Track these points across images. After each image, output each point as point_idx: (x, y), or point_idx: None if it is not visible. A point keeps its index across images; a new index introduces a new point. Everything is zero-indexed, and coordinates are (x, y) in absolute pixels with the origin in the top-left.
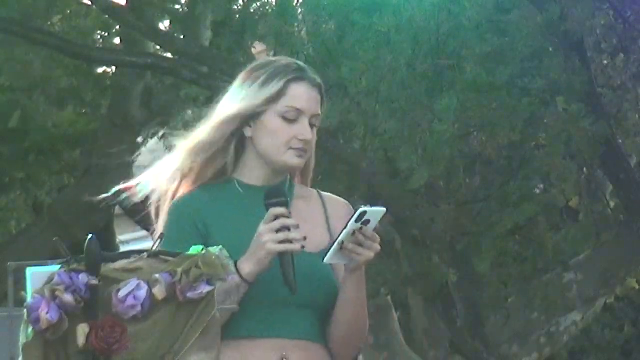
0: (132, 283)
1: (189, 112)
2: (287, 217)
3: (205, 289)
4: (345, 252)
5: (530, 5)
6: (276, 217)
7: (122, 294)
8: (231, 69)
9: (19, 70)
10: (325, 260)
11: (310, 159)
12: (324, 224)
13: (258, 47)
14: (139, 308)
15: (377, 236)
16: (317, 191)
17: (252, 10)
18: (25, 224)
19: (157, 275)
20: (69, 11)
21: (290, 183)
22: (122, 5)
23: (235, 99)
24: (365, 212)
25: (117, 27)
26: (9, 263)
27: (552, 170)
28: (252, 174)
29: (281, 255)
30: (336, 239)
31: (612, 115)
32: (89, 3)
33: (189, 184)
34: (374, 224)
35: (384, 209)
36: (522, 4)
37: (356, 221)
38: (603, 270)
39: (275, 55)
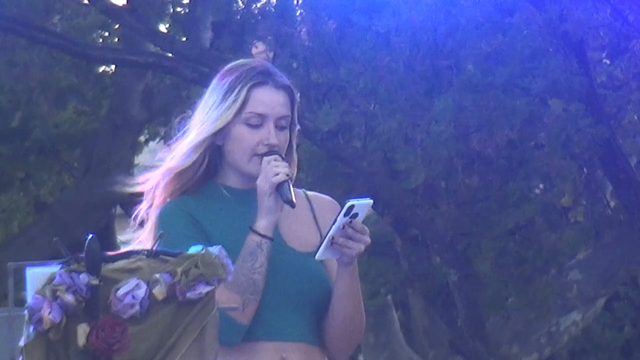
0: (132, 282)
1: (189, 112)
2: (277, 160)
3: (204, 289)
4: (336, 246)
5: (530, 6)
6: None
7: (120, 292)
8: None
9: (19, 70)
10: (317, 256)
11: (291, 160)
12: (312, 223)
13: (258, 48)
14: (137, 307)
15: (366, 228)
16: (303, 191)
17: (252, 9)
18: (26, 224)
19: (157, 275)
20: (69, 11)
21: None
22: (121, 6)
23: (205, 115)
24: (353, 206)
25: (117, 26)
26: (9, 263)
27: (551, 170)
28: (232, 178)
29: (279, 186)
30: (326, 234)
31: (612, 116)
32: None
33: (172, 193)
34: (362, 216)
35: (371, 201)
36: (522, 4)
37: (345, 215)
38: (603, 270)
39: (275, 55)
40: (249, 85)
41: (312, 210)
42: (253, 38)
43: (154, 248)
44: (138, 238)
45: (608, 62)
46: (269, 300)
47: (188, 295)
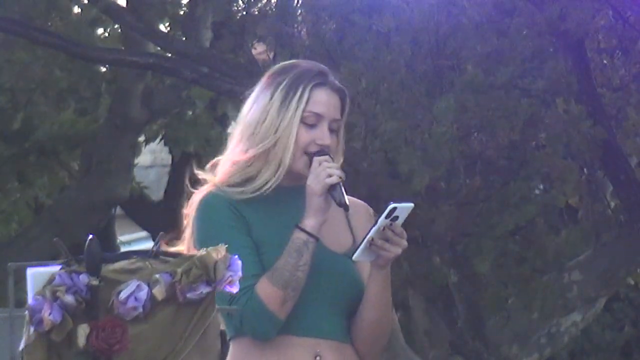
0: (133, 284)
1: (190, 112)
2: (328, 161)
3: (204, 289)
4: (373, 248)
5: (531, 6)
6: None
7: (123, 295)
8: (231, 69)
9: (19, 71)
10: (355, 257)
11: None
12: (345, 225)
13: (258, 48)
14: (140, 309)
15: (405, 232)
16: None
17: (252, 9)
18: (26, 225)
19: (157, 276)
20: (68, 11)
21: None
22: (122, 6)
23: (268, 114)
24: (395, 208)
25: (117, 26)
26: (9, 263)
27: (552, 171)
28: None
29: (331, 189)
30: (366, 235)
31: (612, 116)
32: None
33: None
34: (402, 219)
35: (412, 205)
36: (522, 4)
37: (386, 217)
38: (603, 271)
39: (275, 56)
40: (311, 85)
41: (346, 213)
42: (253, 38)
43: (154, 249)
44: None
45: (608, 62)
46: (305, 297)
47: (188, 295)
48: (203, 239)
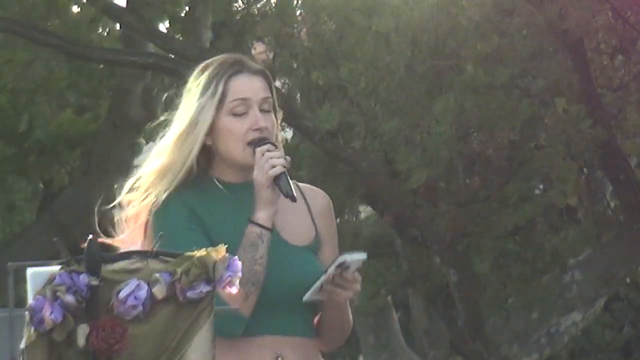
0: (132, 283)
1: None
2: (270, 150)
3: (204, 288)
4: (324, 292)
5: (530, 6)
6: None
7: (122, 294)
8: None
9: (20, 71)
10: (305, 298)
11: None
12: (307, 216)
13: (258, 48)
14: (140, 308)
15: (359, 277)
16: (295, 183)
17: (252, 9)
18: (26, 225)
19: (157, 275)
20: (67, 11)
21: None
22: (122, 6)
23: (185, 111)
24: (344, 261)
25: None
26: (9, 263)
27: (552, 171)
28: (228, 173)
29: (276, 179)
30: (316, 280)
31: (612, 116)
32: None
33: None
34: (354, 267)
35: (364, 256)
36: (522, 4)
37: (336, 267)
38: (603, 271)
39: (275, 55)
40: (225, 77)
41: (307, 202)
42: (253, 38)
43: (154, 248)
44: (127, 236)
45: (607, 62)
46: (265, 294)
47: (189, 294)
48: (170, 240)
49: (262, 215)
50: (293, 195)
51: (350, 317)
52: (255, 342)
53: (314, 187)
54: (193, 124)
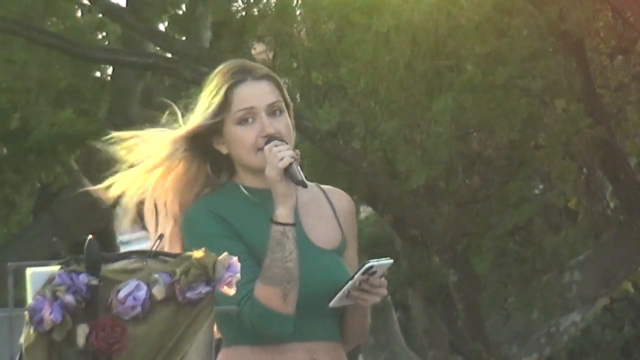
0: (132, 284)
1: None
2: (277, 145)
3: (204, 289)
4: (351, 297)
5: (530, 6)
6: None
7: (121, 294)
8: None
9: (18, 71)
10: (331, 304)
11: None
12: (333, 219)
13: (258, 48)
14: (138, 308)
15: (385, 281)
16: (317, 185)
17: (252, 9)
18: (26, 224)
19: (156, 275)
20: (66, 12)
21: None
22: (122, 6)
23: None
24: (372, 267)
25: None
26: (9, 263)
27: (551, 171)
28: (249, 178)
29: (286, 171)
30: (342, 286)
31: (612, 116)
32: (88, 3)
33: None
34: (380, 273)
35: (391, 261)
36: (522, 4)
37: (362, 274)
38: (603, 270)
39: (275, 55)
40: (226, 86)
41: (332, 205)
42: (253, 38)
43: (153, 249)
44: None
45: (607, 63)
46: (297, 300)
47: (188, 295)
48: (203, 242)
49: (282, 212)
50: (303, 181)
51: (369, 320)
52: (289, 347)
53: (337, 189)
54: (191, 127)
